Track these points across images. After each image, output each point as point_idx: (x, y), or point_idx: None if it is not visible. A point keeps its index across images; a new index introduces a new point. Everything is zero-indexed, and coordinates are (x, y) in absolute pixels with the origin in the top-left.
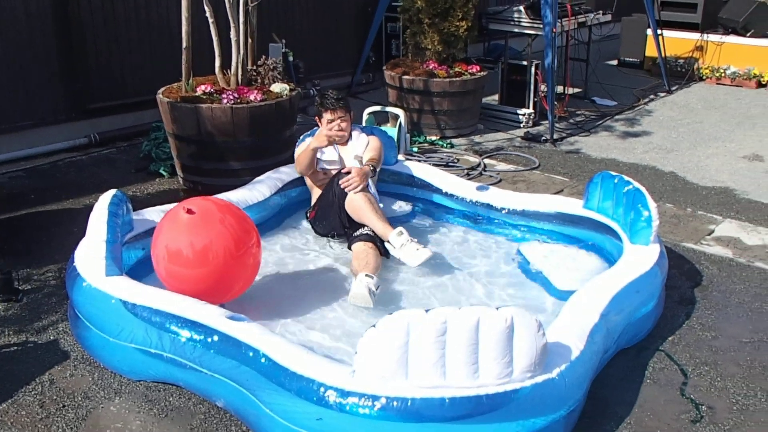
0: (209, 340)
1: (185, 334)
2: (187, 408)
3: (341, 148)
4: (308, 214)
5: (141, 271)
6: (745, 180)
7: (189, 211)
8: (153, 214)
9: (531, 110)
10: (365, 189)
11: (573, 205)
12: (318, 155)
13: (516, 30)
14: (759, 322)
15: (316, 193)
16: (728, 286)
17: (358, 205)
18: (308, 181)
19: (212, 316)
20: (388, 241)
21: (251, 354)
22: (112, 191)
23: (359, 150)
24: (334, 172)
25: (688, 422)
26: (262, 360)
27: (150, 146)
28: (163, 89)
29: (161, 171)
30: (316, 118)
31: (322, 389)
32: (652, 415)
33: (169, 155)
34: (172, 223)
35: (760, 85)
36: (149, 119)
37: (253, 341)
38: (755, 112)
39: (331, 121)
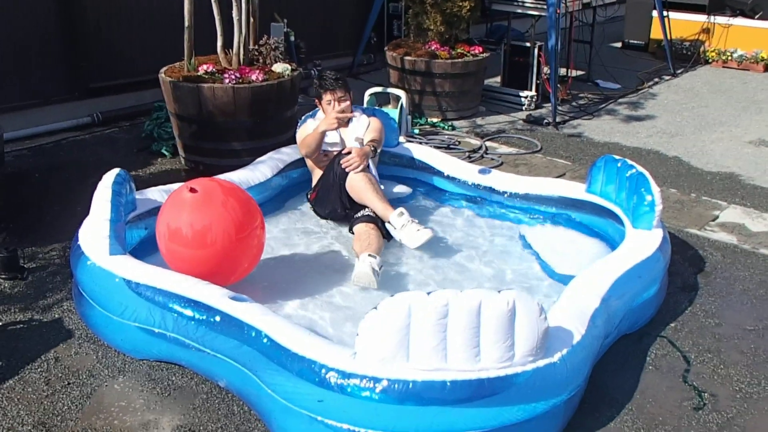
0: (211, 319)
1: (188, 313)
2: (189, 387)
3: (342, 129)
4: (309, 196)
5: (144, 250)
6: (750, 165)
7: (192, 190)
8: (155, 193)
9: (533, 93)
10: (366, 169)
11: (575, 189)
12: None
13: (519, 11)
14: (763, 309)
15: (316, 174)
16: (732, 273)
17: (358, 186)
18: (309, 163)
19: (214, 296)
20: (389, 222)
21: (253, 334)
22: (116, 170)
23: (360, 131)
24: (335, 154)
25: (690, 409)
26: (264, 340)
27: (152, 126)
28: (165, 69)
29: (163, 151)
30: (316, 100)
31: (323, 371)
32: (654, 401)
33: (171, 135)
34: (174, 201)
35: (767, 68)
36: (151, 99)
37: (255, 321)
38: (762, 97)
39: (331, 102)
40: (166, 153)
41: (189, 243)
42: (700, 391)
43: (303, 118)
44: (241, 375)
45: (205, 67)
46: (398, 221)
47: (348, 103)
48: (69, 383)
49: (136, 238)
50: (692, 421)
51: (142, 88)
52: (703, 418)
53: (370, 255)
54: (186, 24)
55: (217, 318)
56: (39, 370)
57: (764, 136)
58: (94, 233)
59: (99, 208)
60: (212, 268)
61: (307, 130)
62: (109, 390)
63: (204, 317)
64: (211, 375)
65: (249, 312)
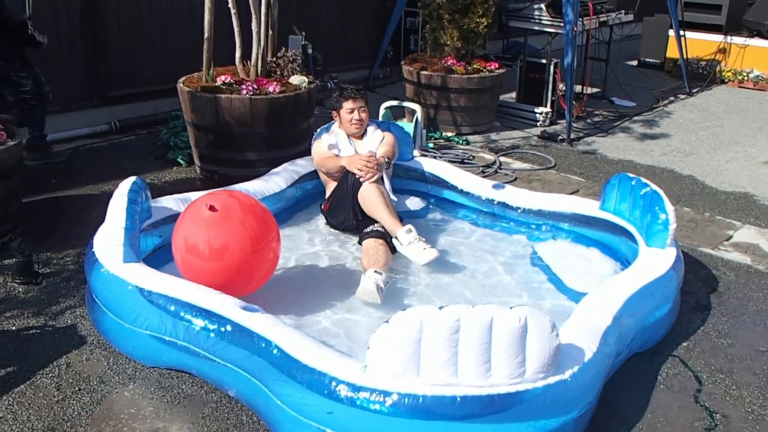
0: (223, 329)
1: (199, 322)
2: (199, 396)
3: (357, 142)
4: (322, 207)
5: (158, 258)
6: (765, 186)
7: (211, 208)
8: (170, 202)
9: (548, 109)
10: (379, 181)
11: (589, 206)
12: (333, 151)
13: (536, 28)
14: None
15: (330, 186)
16: (745, 293)
17: (369, 198)
18: (322, 176)
19: (226, 305)
20: (396, 238)
21: (264, 345)
22: (132, 178)
23: (374, 145)
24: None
25: (701, 430)
26: (275, 351)
27: (169, 134)
28: (183, 78)
29: (179, 159)
30: (334, 112)
31: (333, 383)
32: (665, 421)
33: (187, 144)
34: (193, 218)
35: None
36: (168, 108)
37: (265, 332)
38: None
39: (353, 110)
40: (182, 162)
41: (206, 258)
42: (711, 412)
43: (318, 131)
44: (250, 385)
45: (223, 77)
46: (406, 238)
47: (366, 114)
48: (80, 389)
49: (150, 246)
50: None
51: (160, 96)
52: None
53: (376, 271)
54: (206, 35)
55: (228, 327)
56: (50, 375)
57: None
58: (109, 240)
59: (114, 215)
60: (227, 281)
61: (322, 145)
62: (120, 397)
63: (215, 326)
64: (221, 384)
65: (260, 322)
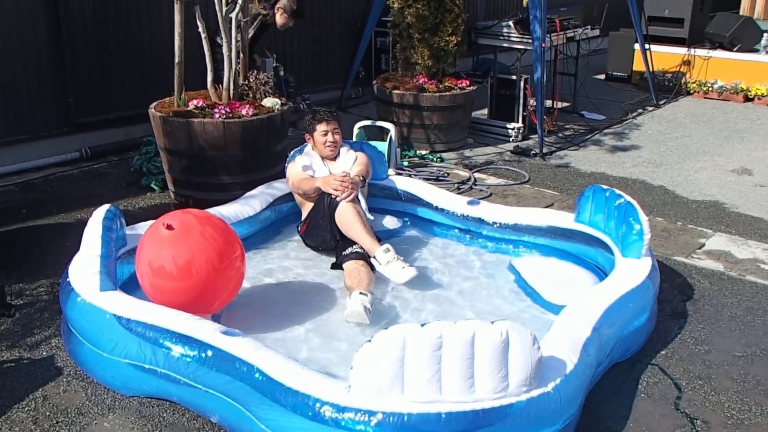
0: (203, 355)
1: (179, 349)
2: (181, 424)
3: (330, 163)
4: (299, 229)
5: (134, 285)
6: (734, 194)
7: (169, 227)
8: (146, 228)
9: (520, 124)
10: (355, 201)
11: (564, 219)
12: (308, 172)
13: (505, 44)
14: (751, 335)
15: (306, 207)
16: (720, 300)
17: (346, 218)
18: (298, 198)
19: (206, 331)
20: (374, 257)
21: (245, 369)
22: (106, 206)
23: (347, 165)
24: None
25: None
26: (257, 375)
27: (141, 160)
28: (155, 104)
29: (152, 185)
30: (306, 135)
31: (317, 405)
32: (647, 429)
33: (161, 169)
34: (152, 239)
35: (747, 99)
36: (140, 134)
37: (247, 356)
38: (743, 126)
39: (326, 132)
40: (156, 187)
41: (173, 278)
42: (692, 418)
43: (291, 154)
44: (233, 410)
45: (195, 102)
46: (384, 257)
47: (339, 136)
48: (57, 422)
49: (127, 274)
50: None
51: (131, 122)
52: None
53: (361, 293)
54: (176, 60)
55: (209, 353)
56: (27, 408)
57: (747, 164)
58: (85, 269)
59: (89, 243)
60: (194, 299)
61: (296, 167)
62: (99, 428)
63: (196, 352)
64: (203, 411)
65: (241, 346)
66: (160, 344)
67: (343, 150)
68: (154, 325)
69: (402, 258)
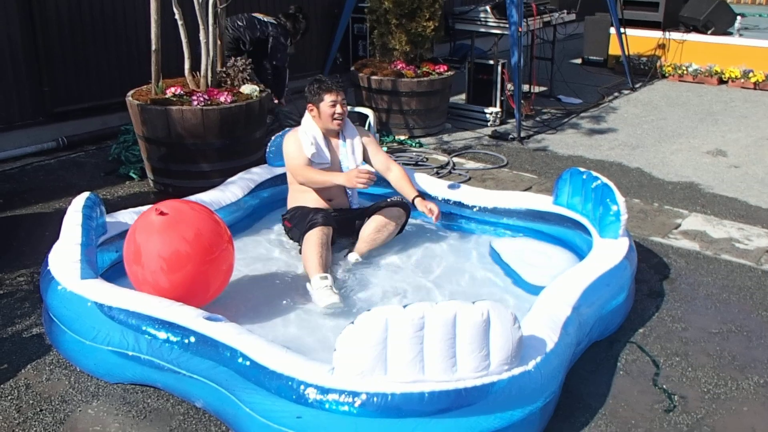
0: (186, 341)
1: (162, 335)
2: (165, 409)
3: (332, 141)
4: (284, 222)
5: (116, 273)
6: (709, 175)
7: (161, 213)
8: (126, 216)
9: (498, 109)
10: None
11: (543, 202)
12: (313, 158)
13: (482, 30)
14: (726, 312)
15: (296, 198)
16: (696, 279)
17: (311, 240)
18: (294, 185)
19: (189, 317)
20: (309, 282)
21: (229, 354)
22: (86, 194)
23: (357, 147)
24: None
25: (661, 412)
26: (240, 360)
27: (119, 149)
28: (132, 92)
29: (131, 174)
30: (310, 106)
31: (301, 387)
32: (626, 405)
33: (139, 158)
34: (143, 225)
35: (721, 81)
36: (117, 122)
37: (230, 341)
38: (717, 109)
39: (334, 104)
40: (134, 176)
41: (160, 267)
42: (670, 394)
43: (282, 132)
44: (218, 395)
45: (172, 89)
46: (319, 283)
47: (345, 108)
48: (41, 410)
49: (107, 262)
50: (663, 423)
51: (108, 111)
52: (674, 420)
53: (321, 277)
54: (153, 47)
55: (192, 339)
56: (9, 397)
57: (721, 146)
58: (65, 257)
59: (69, 232)
60: (184, 291)
61: (301, 152)
62: (83, 415)
63: (179, 338)
64: (188, 396)
65: (224, 332)
66: (143, 331)
67: (348, 131)
68: (137, 312)
69: (336, 291)
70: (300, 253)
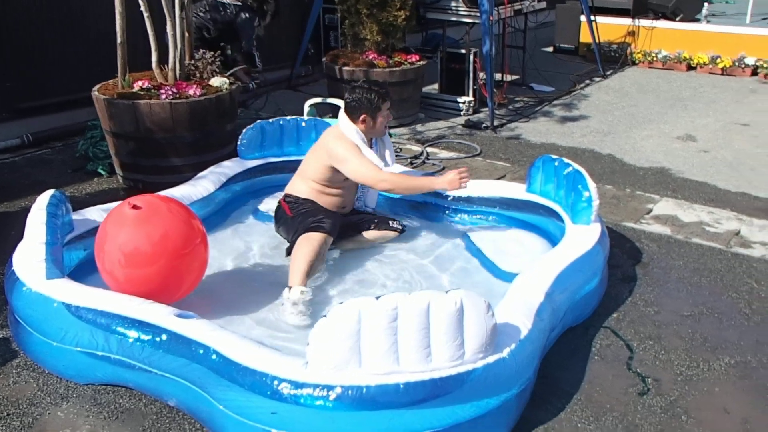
0: (158, 339)
1: (133, 334)
2: (137, 409)
3: (382, 146)
4: (282, 205)
5: (84, 272)
6: (679, 160)
7: (135, 207)
8: (94, 213)
9: (471, 98)
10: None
11: (516, 190)
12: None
13: (454, 19)
14: (698, 295)
15: (314, 195)
16: (668, 263)
17: (306, 244)
18: (316, 183)
19: (160, 314)
20: (288, 288)
21: (201, 351)
22: (51, 191)
23: (387, 153)
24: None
25: (635, 395)
26: (213, 356)
27: (86, 145)
28: (98, 86)
29: (99, 170)
30: (363, 116)
31: (275, 383)
32: (601, 390)
33: (107, 154)
34: (116, 219)
35: (690, 67)
36: (84, 118)
37: (202, 338)
38: (686, 94)
39: (388, 112)
40: (103, 172)
41: (119, 260)
42: (643, 377)
43: (254, 126)
44: (191, 393)
45: (140, 83)
46: (297, 297)
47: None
48: (8, 414)
49: (75, 260)
50: (638, 406)
51: (74, 107)
52: (648, 403)
53: (302, 291)
54: (119, 40)
55: (164, 337)
56: None
57: (690, 131)
58: (30, 257)
59: (34, 231)
60: (158, 286)
61: (357, 152)
62: (53, 418)
63: (150, 337)
64: (160, 395)
65: (196, 329)
66: (113, 330)
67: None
68: (106, 312)
69: (307, 311)
70: (288, 250)
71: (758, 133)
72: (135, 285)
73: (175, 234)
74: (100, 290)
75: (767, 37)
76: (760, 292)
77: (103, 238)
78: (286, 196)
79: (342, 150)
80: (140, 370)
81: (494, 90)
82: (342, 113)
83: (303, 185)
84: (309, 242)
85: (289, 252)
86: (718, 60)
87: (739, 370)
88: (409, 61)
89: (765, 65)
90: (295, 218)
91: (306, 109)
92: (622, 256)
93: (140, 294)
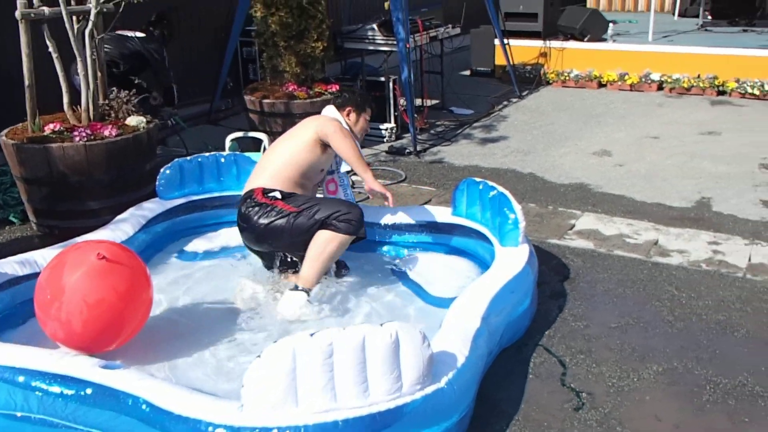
0: (82, 393)
1: (55, 390)
2: None
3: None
4: (266, 199)
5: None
6: (597, 175)
7: (103, 257)
8: (7, 266)
9: (393, 124)
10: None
11: (442, 214)
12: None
13: (371, 47)
14: (624, 306)
15: (293, 188)
16: (593, 276)
17: (333, 247)
18: (296, 177)
19: (83, 367)
20: (297, 286)
21: (130, 402)
22: None
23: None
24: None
25: (571, 411)
26: (143, 407)
27: None
28: (6, 131)
29: (11, 218)
30: (348, 108)
31: (210, 429)
32: (538, 408)
33: (19, 200)
34: (80, 265)
35: (600, 85)
36: None
37: (131, 388)
38: (599, 111)
39: (369, 119)
40: (15, 220)
41: (97, 311)
42: (578, 392)
43: (171, 164)
44: None
45: (51, 126)
46: (301, 302)
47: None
48: None
49: None
50: (574, 422)
51: None
52: (584, 417)
53: (302, 289)
54: (27, 83)
55: (89, 390)
56: None
57: (605, 146)
58: None
59: None
60: (96, 337)
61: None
62: None
63: (73, 392)
64: None
65: (123, 379)
66: (33, 388)
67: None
68: (23, 368)
69: (307, 318)
70: (299, 255)
71: (666, 145)
72: (90, 333)
73: (136, 282)
74: (15, 345)
75: (669, 54)
76: (681, 299)
77: (59, 288)
78: (264, 191)
79: (334, 124)
80: (64, 429)
81: (415, 115)
82: (330, 106)
83: (281, 180)
84: (340, 244)
85: (297, 258)
86: (626, 77)
87: (667, 376)
88: (330, 91)
89: (669, 80)
90: (303, 212)
91: (227, 143)
92: (549, 273)
93: (90, 341)
